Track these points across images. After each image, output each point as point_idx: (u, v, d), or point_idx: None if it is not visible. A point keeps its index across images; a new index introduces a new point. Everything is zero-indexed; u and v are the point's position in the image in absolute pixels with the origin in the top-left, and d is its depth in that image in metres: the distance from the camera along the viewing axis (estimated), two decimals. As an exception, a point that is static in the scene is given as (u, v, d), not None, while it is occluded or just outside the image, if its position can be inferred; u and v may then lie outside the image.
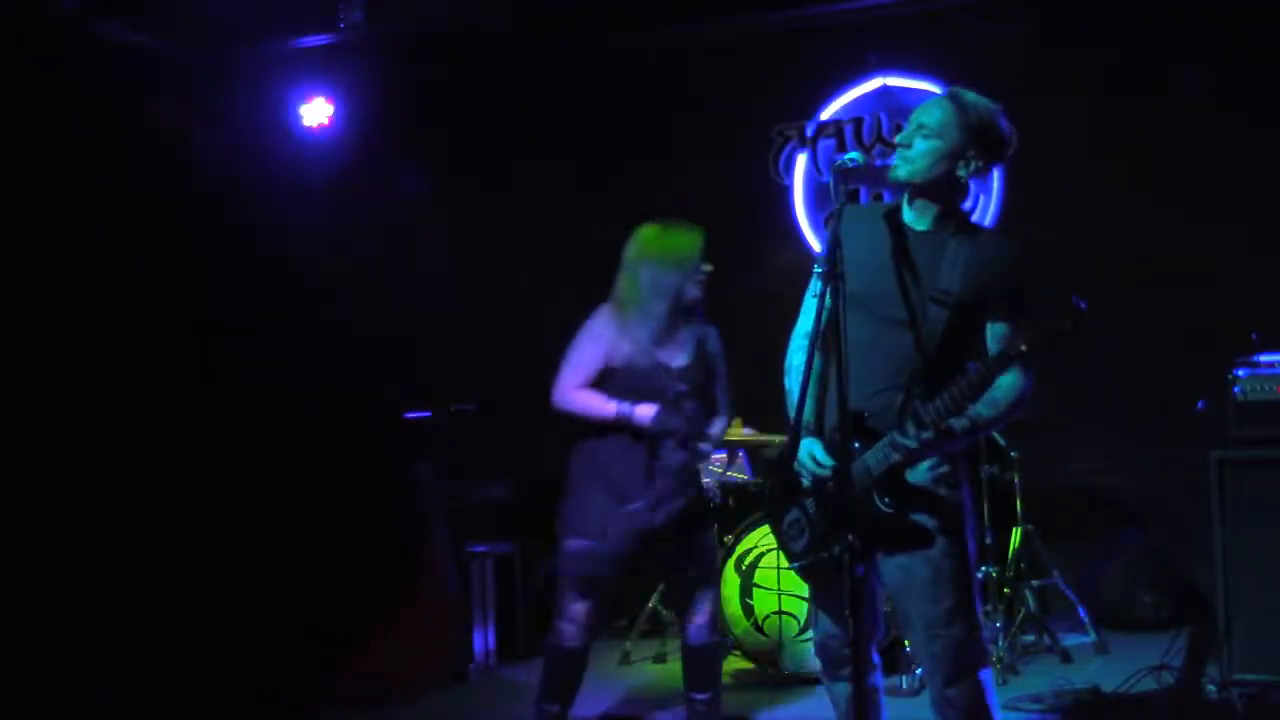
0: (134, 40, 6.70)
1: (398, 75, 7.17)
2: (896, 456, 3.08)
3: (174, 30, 6.78)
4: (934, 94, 3.28)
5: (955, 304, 3.13)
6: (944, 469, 3.20)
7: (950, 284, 3.14)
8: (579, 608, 4.21)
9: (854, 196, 6.26)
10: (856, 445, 3.11)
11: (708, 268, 4.25)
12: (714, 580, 4.36)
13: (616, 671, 5.85)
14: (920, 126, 3.17)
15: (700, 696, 4.31)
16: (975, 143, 3.19)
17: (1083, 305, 2.85)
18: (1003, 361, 3.01)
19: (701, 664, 4.30)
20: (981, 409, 3.10)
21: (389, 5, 6.48)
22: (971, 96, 3.26)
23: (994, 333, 3.18)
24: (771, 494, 3.42)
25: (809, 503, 3.23)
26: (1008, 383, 3.13)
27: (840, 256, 2.94)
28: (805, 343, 3.15)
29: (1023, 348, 2.93)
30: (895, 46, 6.74)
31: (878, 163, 3.28)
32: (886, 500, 3.10)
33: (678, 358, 4.22)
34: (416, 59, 7.11)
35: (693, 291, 4.23)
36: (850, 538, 2.87)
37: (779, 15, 6.83)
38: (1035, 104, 6.54)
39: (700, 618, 4.27)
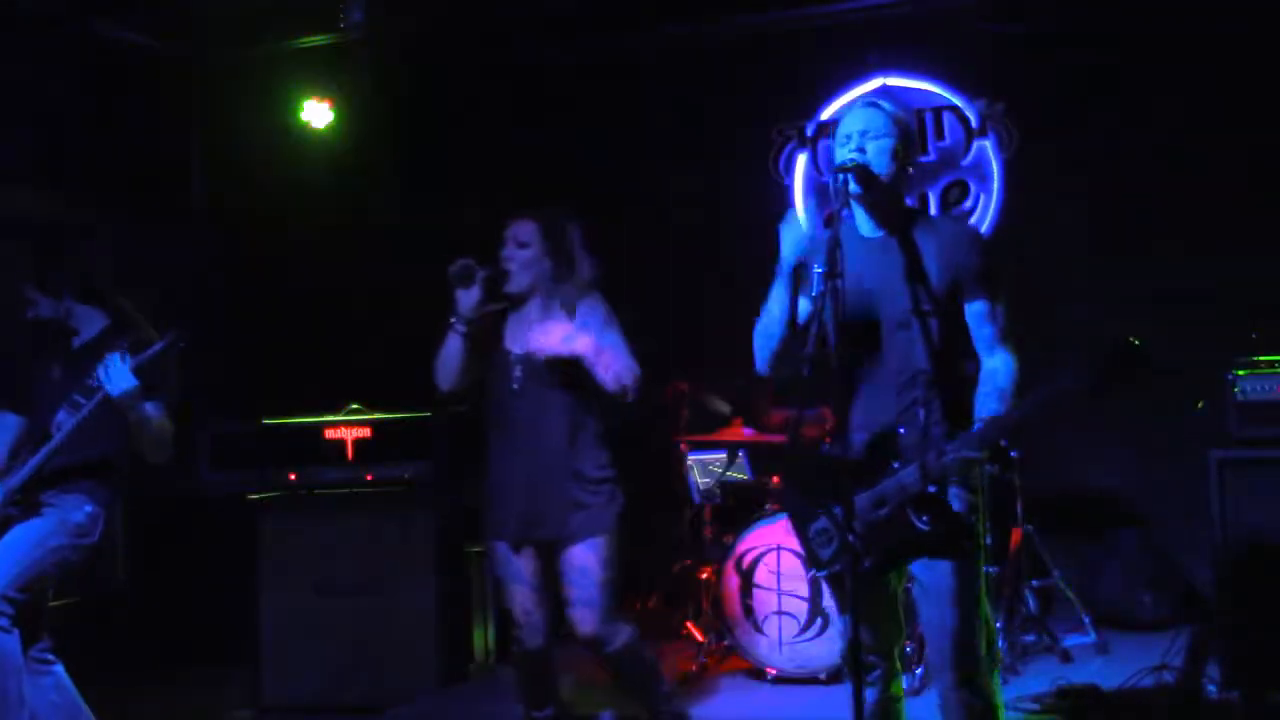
0: (134, 40, 6.72)
1: (398, 75, 7.17)
2: (931, 478, 3.08)
3: (174, 30, 6.79)
4: (877, 104, 3.34)
5: (935, 292, 3.18)
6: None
7: (927, 273, 3.19)
8: (514, 608, 4.20)
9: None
10: (896, 465, 3.13)
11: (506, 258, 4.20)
12: (588, 600, 4.09)
13: (616, 671, 5.85)
14: (864, 133, 3.22)
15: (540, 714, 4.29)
16: (909, 138, 3.28)
17: (1137, 344, 2.87)
18: (1058, 397, 2.94)
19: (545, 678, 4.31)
20: (996, 405, 3.13)
21: (389, 5, 6.48)
22: (888, 100, 3.35)
23: (972, 311, 3.21)
24: (793, 501, 3.42)
25: (837, 510, 3.22)
26: (1004, 367, 3.18)
27: (840, 256, 2.96)
28: (778, 330, 3.30)
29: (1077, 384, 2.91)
30: (895, 46, 6.73)
31: (825, 179, 3.32)
32: (925, 519, 3.10)
33: (521, 343, 4.16)
34: (416, 59, 7.10)
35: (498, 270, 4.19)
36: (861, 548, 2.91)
37: (779, 15, 6.83)
38: (1035, 104, 6.59)
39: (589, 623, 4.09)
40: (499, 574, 4.24)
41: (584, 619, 4.08)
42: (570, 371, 4.05)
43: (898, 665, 3.38)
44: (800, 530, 3.34)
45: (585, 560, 4.07)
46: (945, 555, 3.15)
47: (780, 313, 3.33)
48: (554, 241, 4.20)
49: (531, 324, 4.15)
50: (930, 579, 3.20)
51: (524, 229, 4.21)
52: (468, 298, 4.14)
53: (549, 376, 4.09)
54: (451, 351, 4.19)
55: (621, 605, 4.25)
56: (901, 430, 3.15)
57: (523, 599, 4.17)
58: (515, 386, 4.14)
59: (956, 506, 3.16)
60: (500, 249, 4.22)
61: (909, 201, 3.44)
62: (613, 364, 4.04)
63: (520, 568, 4.17)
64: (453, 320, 4.15)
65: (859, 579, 3.00)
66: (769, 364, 3.40)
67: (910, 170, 3.30)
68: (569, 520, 4.08)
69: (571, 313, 4.14)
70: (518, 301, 4.23)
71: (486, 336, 4.21)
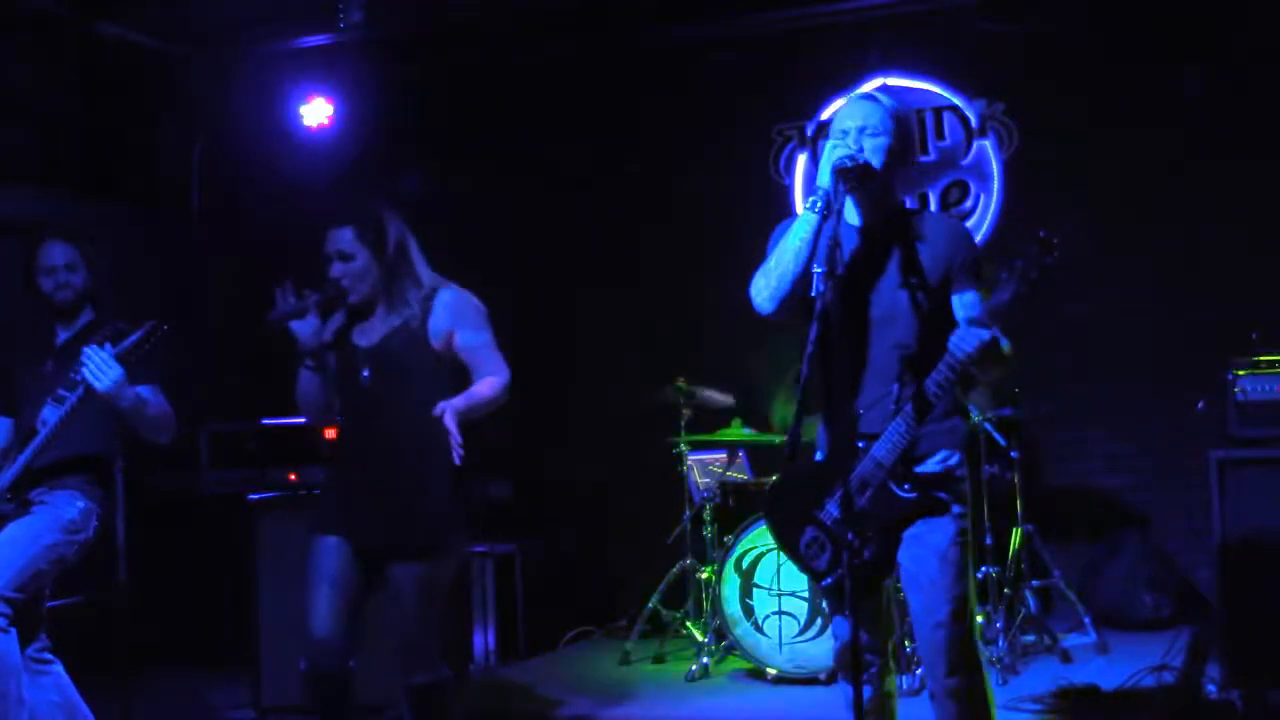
0: (134, 40, 6.72)
1: (398, 75, 7.17)
2: (904, 436, 3.10)
3: (174, 30, 6.80)
4: (875, 98, 3.32)
5: (929, 286, 3.20)
6: (952, 461, 3.24)
7: (921, 268, 3.21)
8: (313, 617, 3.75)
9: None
10: (861, 445, 3.16)
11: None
12: (421, 625, 3.73)
13: (616, 671, 5.85)
14: (862, 129, 3.22)
15: None
16: (907, 135, 3.28)
17: (1047, 235, 3.05)
18: (994, 315, 3.05)
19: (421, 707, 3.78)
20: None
21: (389, 5, 6.48)
22: (887, 97, 3.34)
23: (963, 301, 3.23)
24: (777, 524, 3.41)
25: (822, 516, 3.21)
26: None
27: (839, 257, 2.96)
28: (794, 265, 3.14)
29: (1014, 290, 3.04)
30: (895, 46, 6.73)
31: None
32: (906, 486, 3.13)
33: (368, 337, 3.84)
34: (416, 59, 7.10)
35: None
36: (862, 545, 2.91)
37: (779, 15, 6.83)
38: (1035, 104, 6.59)
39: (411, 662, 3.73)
40: (310, 570, 3.73)
41: (401, 652, 3.74)
42: (427, 368, 3.75)
43: (891, 662, 3.38)
44: (791, 552, 3.33)
45: (408, 586, 3.69)
46: (937, 512, 3.17)
47: (801, 244, 3.13)
48: (377, 239, 3.81)
49: (378, 322, 3.81)
50: (918, 570, 3.20)
51: (342, 238, 3.80)
52: (305, 328, 3.81)
53: (401, 373, 3.74)
54: (308, 388, 3.87)
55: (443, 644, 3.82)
56: (864, 415, 3.18)
57: (325, 605, 3.69)
58: (364, 385, 3.77)
59: (935, 468, 3.19)
60: (326, 266, 3.84)
61: (906, 200, 3.44)
62: (485, 368, 3.77)
63: (333, 568, 3.71)
64: (303, 359, 3.83)
65: (860, 577, 2.99)
66: (777, 302, 3.22)
67: (906, 167, 3.30)
68: (406, 531, 3.70)
69: (423, 311, 3.78)
70: (363, 309, 3.86)
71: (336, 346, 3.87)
